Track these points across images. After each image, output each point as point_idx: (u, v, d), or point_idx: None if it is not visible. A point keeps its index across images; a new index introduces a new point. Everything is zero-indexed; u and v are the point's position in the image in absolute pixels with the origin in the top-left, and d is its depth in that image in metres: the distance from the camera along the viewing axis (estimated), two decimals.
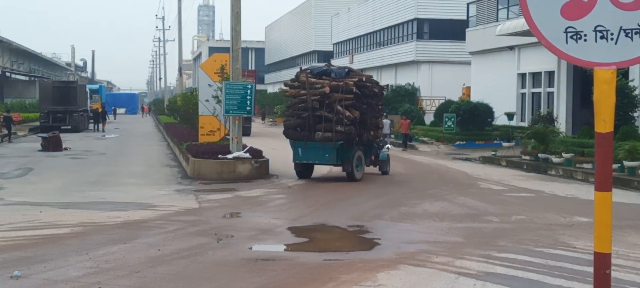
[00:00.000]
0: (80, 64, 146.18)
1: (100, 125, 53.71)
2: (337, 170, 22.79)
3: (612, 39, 4.45)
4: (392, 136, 39.20)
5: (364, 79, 21.70)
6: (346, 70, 21.87)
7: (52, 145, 31.67)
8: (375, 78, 25.75)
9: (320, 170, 23.10)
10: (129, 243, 11.25)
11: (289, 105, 21.69)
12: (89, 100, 59.47)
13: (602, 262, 4.52)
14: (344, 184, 20.42)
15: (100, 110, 58.32)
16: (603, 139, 4.46)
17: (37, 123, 50.57)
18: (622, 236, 12.14)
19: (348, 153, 20.85)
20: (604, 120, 4.44)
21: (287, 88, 21.91)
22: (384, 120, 28.29)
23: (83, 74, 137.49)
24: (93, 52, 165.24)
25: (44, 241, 11.43)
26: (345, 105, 20.48)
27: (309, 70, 21.87)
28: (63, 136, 35.39)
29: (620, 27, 4.43)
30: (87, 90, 60.45)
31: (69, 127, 48.51)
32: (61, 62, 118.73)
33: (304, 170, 21.66)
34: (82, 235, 12.02)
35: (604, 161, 4.48)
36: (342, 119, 20.36)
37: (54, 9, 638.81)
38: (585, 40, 4.50)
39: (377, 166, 23.20)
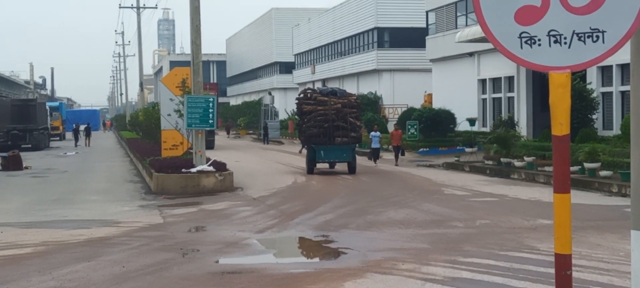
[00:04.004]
0: (40, 81, 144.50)
1: (87, 140, 56.59)
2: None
3: (565, 43, 4.52)
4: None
5: (356, 97, 28.92)
6: (344, 91, 28.45)
7: (12, 164, 31.20)
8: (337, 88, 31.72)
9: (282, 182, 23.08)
10: (93, 261, 11.12)
11: (307, 119, 26.71)
12: (49, 118, 58.80)
13: (562, 263, 4.57)
14: (309, 194, 20.48)
15: (85, 126, 60.32)
16: (560, 142, 4.52)
17: None
18: (584, 237, 12.30)
19: (354, 154, 26.89)
20: (560, 123, 4.50)
21: (304, 105, 27.07)
22: (374, 133, 31.53)
23: (42, 92, 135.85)
24: (52, 69, 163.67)
25: (4, 262, 11.25)
26: (353, 117, 26.60)
27: (318, 91, 27.88)
28: (23, 155, 34.91)
29: (573, 31, 4.51)
30: (47, 107, 59.83)
31: (30, 146, 47.92)
32: (20, 80, 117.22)
33: (314, 168, 26.90)
34: (44, 254, 11.86)
35: (562, 163, 4.54)
36: (355, 127, 26.69)
37: (11, 26, 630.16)
38: (539, 44, 4.56)
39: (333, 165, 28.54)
